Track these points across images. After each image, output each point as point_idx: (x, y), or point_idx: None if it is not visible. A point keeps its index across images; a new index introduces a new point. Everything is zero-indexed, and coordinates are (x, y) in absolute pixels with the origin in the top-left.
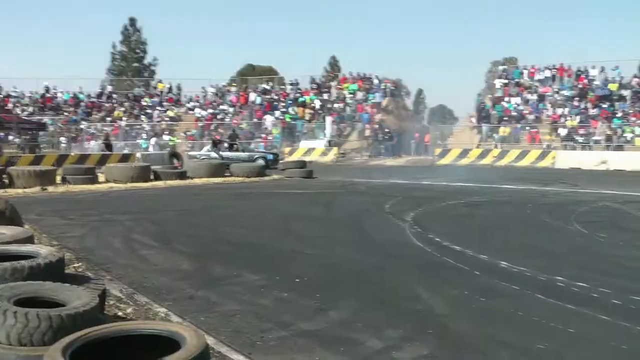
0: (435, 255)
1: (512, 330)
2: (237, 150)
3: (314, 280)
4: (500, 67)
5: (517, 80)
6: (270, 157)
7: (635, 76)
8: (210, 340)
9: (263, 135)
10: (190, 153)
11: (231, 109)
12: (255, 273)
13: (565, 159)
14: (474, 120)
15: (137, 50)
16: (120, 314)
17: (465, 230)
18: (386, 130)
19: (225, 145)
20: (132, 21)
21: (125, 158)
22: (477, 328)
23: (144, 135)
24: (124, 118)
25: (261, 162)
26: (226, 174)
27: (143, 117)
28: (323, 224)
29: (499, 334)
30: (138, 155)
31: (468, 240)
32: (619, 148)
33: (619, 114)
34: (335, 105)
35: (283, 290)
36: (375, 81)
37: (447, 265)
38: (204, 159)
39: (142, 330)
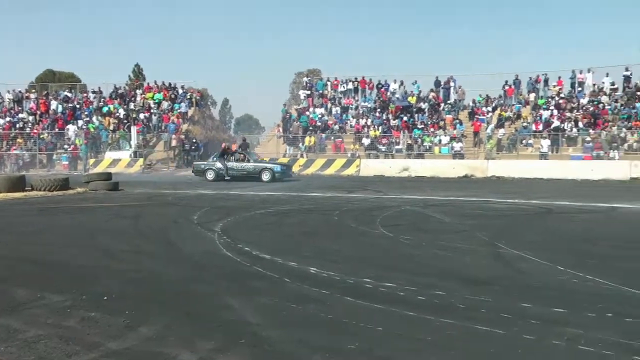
0: (245, 264)
1: (323, 333)
2: (242, 160)
3: (122, 297)
4: (305, 79)
5: (320, 91)
6: (279, 169)
7: (432, 90)
8: None
9: (69, 147)
10: (195, 163)
11: (31, 118)
12: (60, 293)
13: (370, 167)
14: (280, 130)
15: None
16: None
17: (274, 238)
18: (193, 140)
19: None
20: None
21: None
22: (289, 334)
23: None
24: None
25: (269, 175)
26: (27, 188)
27: None
28: (131, 238)
29: (311, 339)
30: None
31: (277, 249)
32: (420, 156)
33: (419, 125)
34: (141, 115)
35: (90, 310)
36: (180, 91)
37: (258, 274)
38: (208, 168)
39: None
